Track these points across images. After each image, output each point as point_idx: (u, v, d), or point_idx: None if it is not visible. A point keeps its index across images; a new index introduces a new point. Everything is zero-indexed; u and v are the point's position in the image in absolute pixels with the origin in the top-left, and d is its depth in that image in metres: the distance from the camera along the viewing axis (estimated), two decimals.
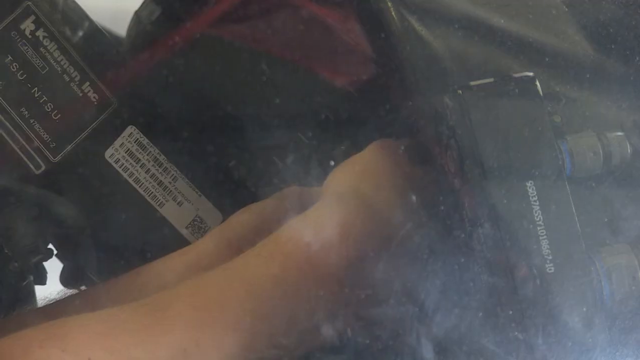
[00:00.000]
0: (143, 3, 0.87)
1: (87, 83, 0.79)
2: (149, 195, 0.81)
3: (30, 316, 0.76)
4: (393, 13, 0.66)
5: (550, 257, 0.59)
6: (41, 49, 0.78)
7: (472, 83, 0.61)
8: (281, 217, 0.70)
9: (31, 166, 0.79)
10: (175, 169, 0.82)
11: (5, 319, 0.76)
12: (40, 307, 0.78)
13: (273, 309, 0.64)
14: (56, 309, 0.75)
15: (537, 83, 0.61)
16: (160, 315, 0.63)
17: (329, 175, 0.69)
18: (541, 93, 0.61)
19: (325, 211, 0.66)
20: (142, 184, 0.81)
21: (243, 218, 0.75)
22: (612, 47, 0.68)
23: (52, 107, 0.78)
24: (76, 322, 0.63)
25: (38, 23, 0.78)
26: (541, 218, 0.59)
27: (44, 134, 0.78)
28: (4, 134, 0.78)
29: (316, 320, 0.65)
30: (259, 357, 0.63)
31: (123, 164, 0.80)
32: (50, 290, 0.82)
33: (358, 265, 0.65)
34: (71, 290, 0.83)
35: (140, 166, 0.81)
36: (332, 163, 0.76)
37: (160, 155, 0.81)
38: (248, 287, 0.64)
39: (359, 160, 0.69)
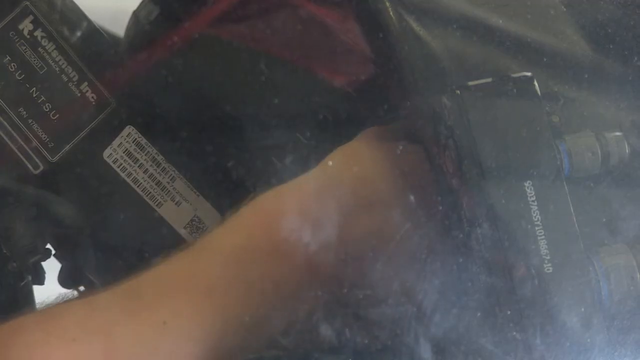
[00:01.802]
0: (141, 3, 0.87)
1: (86, 83, 0.79)
2: (147, 196, 0.81)
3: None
4: (391, 13, 0.66)
5: (548, 257, 0.59)
6: (39, 49, 0.78)
7: (470, 83, 0.61)
8: None
9: (29, 166, 0.79)
10: (174, 169, 0.82)
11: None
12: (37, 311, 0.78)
13: (240, 272, 0.65)
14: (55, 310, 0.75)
15: (536, 83, 0.61)
16: (139, 294, 0.64)
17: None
18: (539, 93, 0.61)
19: (300, 184, 0.68)
20: (140, 184, 0.81)
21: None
22: (611, 47, 0.68)
23: (50, 107, 0.78)
24: (59, 308, 0.65)
25: (36, 23, 0.78)
26: (539, 218, 0.59)
27: (42, 134, 0.78)
28: (2, 134, 0.78)
29: (315, 320, 0.65)
30: (239, 320, 0.64)
31: (121, 164, 0.80)
32: (48, 290, 0.82)
33: (356, 265, 0.65)
34: (70, 294, 0.83)
35: (138, 166, 0.81)
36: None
37: (158, 155, 0.81)
38: (215, 254, 0.66)
39: (348, 145, 0.70)
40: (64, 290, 0.84)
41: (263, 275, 0.65)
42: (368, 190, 0.66)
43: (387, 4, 0.66)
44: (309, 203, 0.66)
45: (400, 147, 0.68)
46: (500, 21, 0.67)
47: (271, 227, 0.65)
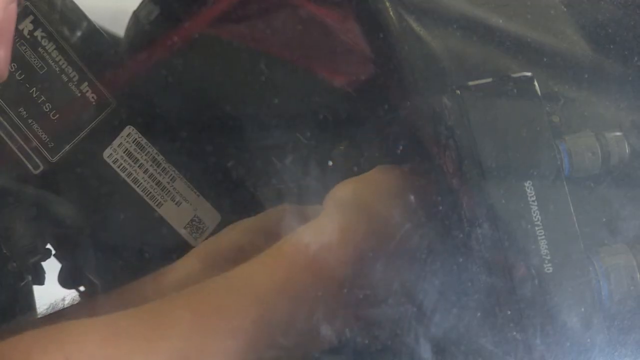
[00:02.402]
0: (141, 3, 0.87)
1: (86, 83, 0.79)
2: (148, 196, 0.81)
3: (31, 324, 0.76)
4: (391, 13, 0.66)
5: (548, 257, 0.59)
6: (39, 49, 0.78)
7: (471, 83, 0.61)
8: (270, 236, 0.70)
9: (29, 166, 0.79)
10: (174, 169, 0.82)
11: (5, 327, 0.76)
12: (41, 317, 0.78)
13: (276, 316, 0.64)
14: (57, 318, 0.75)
15: (536, 83, 0.61)
16: (161, 322, 0.63)
17: (330, 192, 0.69)
18: (539, 93, 0.61)
19: (328, 220, 0.67)
20: (140, 184, 0.81)
21: (230, 236, 0.75)
22: (611, 47, 0.68)
23: (50, 107, 0.78)
24: (77, 328, 0.63)
25: (36, 23, 0.78)
26: (539, 218, 0.59)
27: (42, 134, 0.78)
28: (2, 134, 0.78)
29: (315, 321, 0.65)
30: (258, 358, 0.63)
31: (121, 164, 0.80)
32: (48, 290, 0.82)
33: (357, 266, 0.65)
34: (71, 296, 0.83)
35: (138, 166, 0.81)
36: (331, 163, 0.76)
37: (158, 156, 0.81)
38: (251, 294, 0.64)
39: (360, 177, 0.70)
40: (66, 292, 0.84)
41: (295, 315, 0.64)
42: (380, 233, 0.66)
43: (387, 4, 0.66)
44: (344, 240, 0.66)
45: (400, 186, 0.68)
46: (500, 21, 0.67)
47: (307, 261, 0.65)
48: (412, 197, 0.66)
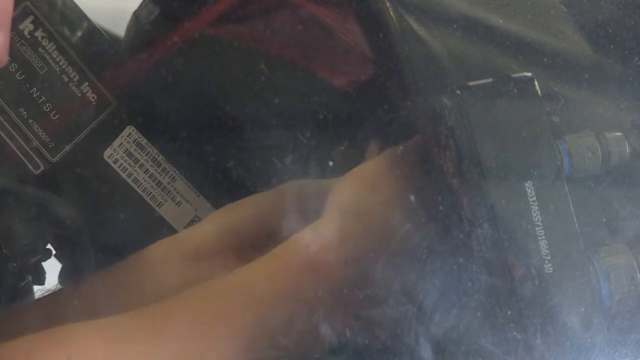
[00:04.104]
0: (142, 3, 0.87)
1: (86, 83, 0.79)
2: (148, 196, 0.81)
3: (30, 314, 0.76)
4: (392, 13, 0.66)
5: (548, 257, 0.59)
6: (40, 49, 0.78)
7: (471, 83, 0.61)
8: (280, 211, 0.70)
9: (30, 166, 0.79)
10: (174, 169, 0.82)
11: (4, 316, 0.76)
12: (38, 303, 0.78)
13: (276, 318, 0.64)
14: (55, 307, 0.75)
15: (536, 83, 0.61)
16: (162, 326, 0.64)
17: (333, 188, 0.69)
18: (540, 93, 0.61)
19: (329, 223, 0.67)
20: (140, 184, 0.81)
21: (242, 212, 0.75)
22: (611, 47, 0.67)
23: (50, 107, 0.78)
24: (79, 330, 0.63)
25: (37, 23, 0.78)
26: (540, 218, 0.59)
27: (42, 134, 0.78)
28: (2, 134, 0.78)
29: (315, 322, 0.65)
30: (259, 358, 0.64)
31: (122, 164, 0.80)
32: (48, 290, 0.82)
33: (357, 267, 0.65)
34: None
35: (139, 166, 0.81)
36: (331, 163, 0.76)
37: (159, 156, 0.81)
38: (251, 297, 0.65)
39: (363, 170, 0.70)
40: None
41: (295, 315, 0.65)
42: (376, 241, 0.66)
43: (387, 4, 0.66)
44: (344, 247, 0.66)
45: (401, 149, 0.68)
46: (501, 21, 0.67)
47: (306, 261, 0.65)
48: (412, 197, 0.66)
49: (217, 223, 0.75)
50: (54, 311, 0.69)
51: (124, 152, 0.80)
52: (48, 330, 0.63)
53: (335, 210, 0.67)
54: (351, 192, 0.68)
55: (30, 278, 0.82)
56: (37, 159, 0.78)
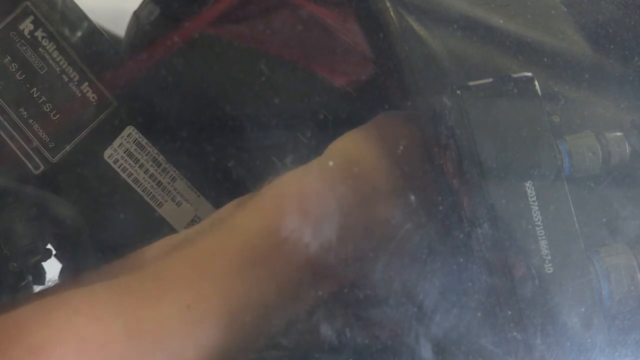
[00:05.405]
0: (142, 3, 0.87)
1: (86, 83, 0.79)
2: (148, 196, 0.81)
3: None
4: (392, 13, 0.66)
5: (549, 258, 0.59)
6: (40, 49, 0.78)
7: (471, 83, 0.61)
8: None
9: (30, 166, 0.79)
10: (174, 169, 0.82)
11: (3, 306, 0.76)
12: (34, 296, 0.78)
13: (267, 257, 0.65)
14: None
15: (536, 83, 0.61)
16: (162, 277, 0.65)
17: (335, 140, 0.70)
18: (540, 93, 0.61)
19: (318, 169, 0.68)
20: (140, 184, 0.81)
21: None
22: (611, 47, 0.68)
23: (50, 107, 0.78)
24: (84, 291, 0.64)
25: (37, 23, 0.78)
26: (540, 218, 0.59)
27: (42, 134, 0.78)
28: (2, 134, 0.78)
29: (315, 320, 0.65)
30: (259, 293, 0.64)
31: (122, 164, 0.80)
32: None
33: (357, 265, 0.65)
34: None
35: (139, 166, 0.81)
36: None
37: (159, 156, 0.81)
38: (243, 237, 0.66)
39: (361, 130, 0.70)
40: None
41: (295, 314, 0.66)
42: (369, 186, 0.67)
43: (387, 4, 0.66)
44: (309, 198, 0.67)
45: (402, 147, 0.68)
46: (501, 21, 0.67)
47: (306, 260, 0.65)
48: (411, 192, 0.66)
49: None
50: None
51: (124, 152, 0.81)
52: (52, 296, 0.64)
53: (328, 155, 0.68)
54: (346, 143, 0.69)
55: (30, 278, 0.82)
56: (37, 159, 0.78)
